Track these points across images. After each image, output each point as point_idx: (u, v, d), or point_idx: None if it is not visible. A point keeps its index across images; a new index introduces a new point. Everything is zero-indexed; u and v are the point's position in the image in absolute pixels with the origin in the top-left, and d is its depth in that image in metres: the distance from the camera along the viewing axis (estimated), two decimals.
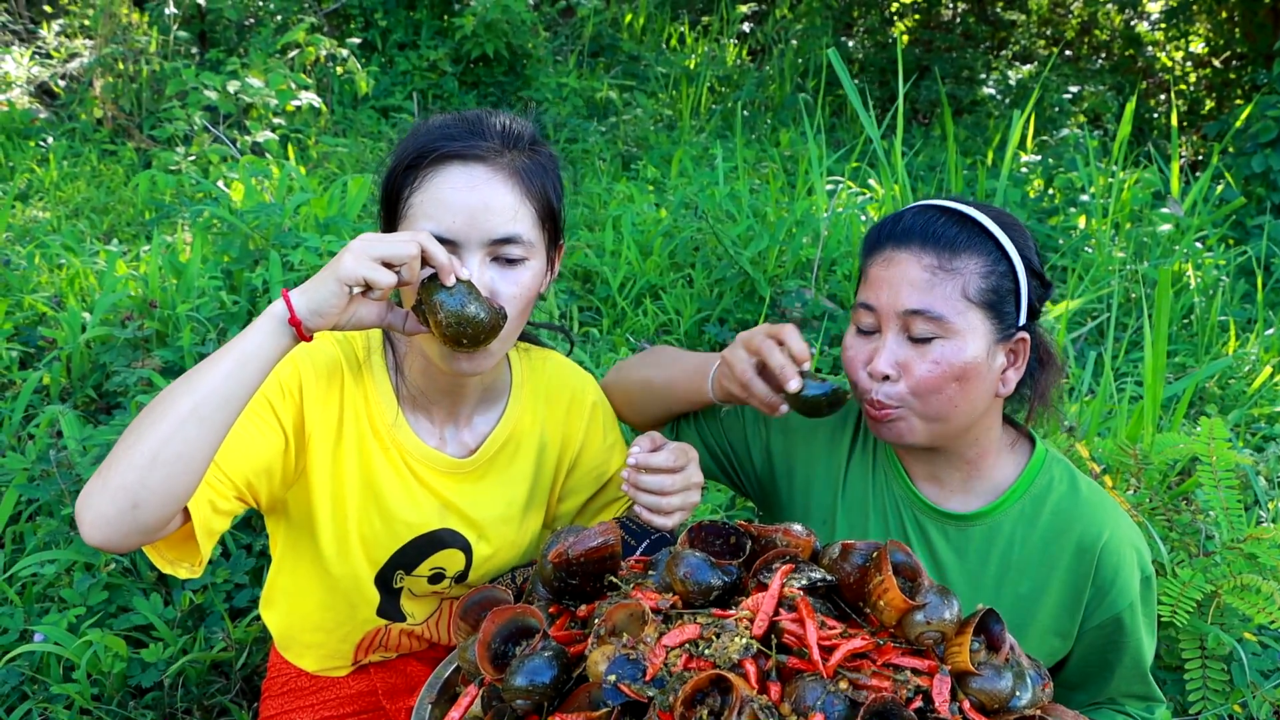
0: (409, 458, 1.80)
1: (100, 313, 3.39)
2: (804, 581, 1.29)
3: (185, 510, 1.53)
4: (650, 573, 1.41)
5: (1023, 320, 1.69)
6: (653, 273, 4.82)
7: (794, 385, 1.65)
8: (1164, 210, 5.47)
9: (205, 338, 3.28)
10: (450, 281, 1.50)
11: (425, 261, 1.50)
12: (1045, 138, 9.09)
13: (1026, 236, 1.73)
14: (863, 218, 5.29)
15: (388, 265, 1.46)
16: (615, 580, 1.38)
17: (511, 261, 1.63)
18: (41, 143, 7.47)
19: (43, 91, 8.66)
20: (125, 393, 3.15)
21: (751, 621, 1.23)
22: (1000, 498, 1.79)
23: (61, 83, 8.59)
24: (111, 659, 2.21)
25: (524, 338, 1.98)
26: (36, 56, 8.86)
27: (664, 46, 11.33)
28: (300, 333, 1.47)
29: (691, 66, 10.55)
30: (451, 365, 1.66)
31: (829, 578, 1.32)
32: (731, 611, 1.25)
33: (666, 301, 4.57)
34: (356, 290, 1.46)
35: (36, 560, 2.35)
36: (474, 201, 1.59)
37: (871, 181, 6.16)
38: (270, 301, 3.48)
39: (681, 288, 4.73)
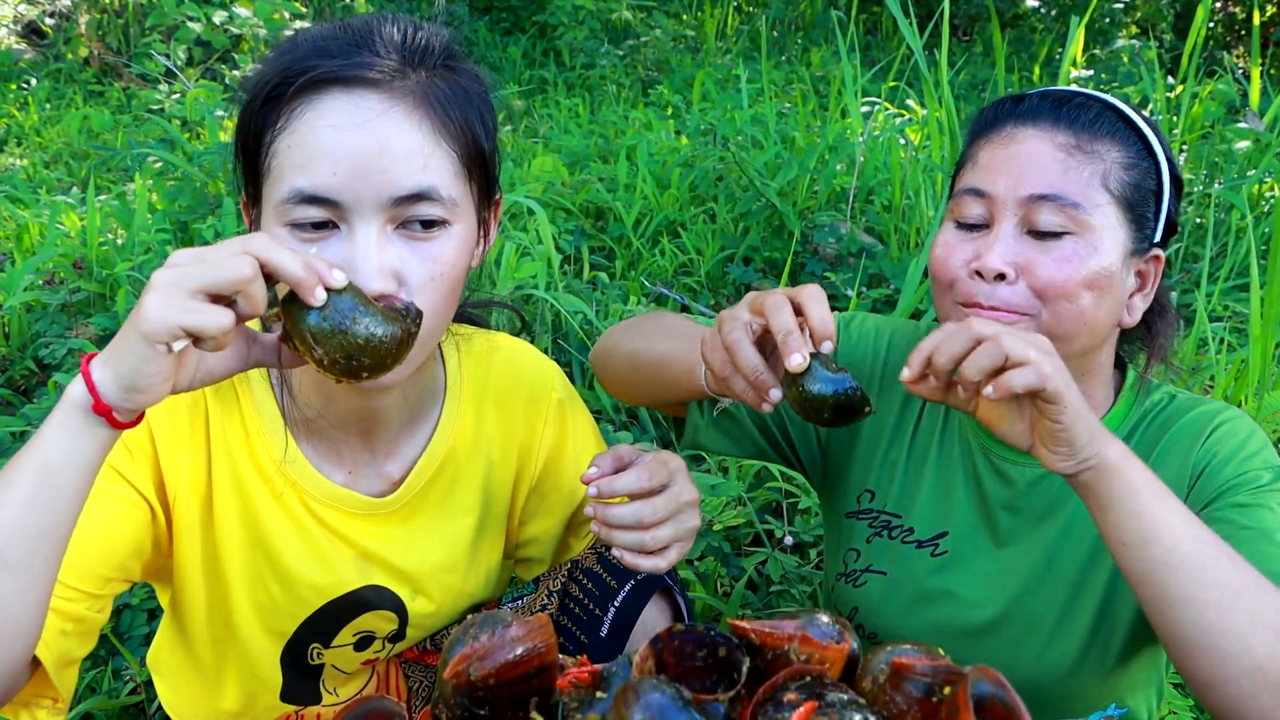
0: (310, 500, 1.35)
1: (23, 274, 2.96)
2: None
3: None
4: (599, 696, 0.94)
5: (1159, 235, 1.37)
6: (671, 208, 4.37)
7: (797, 361, 1.13)
8: (1241, 125, 4.90)
9: None
10: (319, 299, 0.99)
11: (273, 277, 0.99)
12: (1095, 51, 8.47)
13: (1164, 137, 1.38)
14: (901, 141, 4.79)
15: (216, 299, 0.95)
16: (537, 716, 0.91)
17: (426, 227, 1.16)
18: (24, 85, 7.06)
19: (31, 31, 8.25)
20: (60, 366, 2.74)
21: None
22: None
23: (50, 20, 8.15)
24: None
25: (462, 319, 1.53)
26: None
27: None
28: (114, 421, 0.99)
29: None
30: (346, 389, 1.20)
31: None
32: None
33: (686, 240, 4.12)
34: (178, 346, 0.96)
35: None
36: (364, 144, 1.11)
37: (910, 102, 5.65)
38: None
39: (703, 224, 4.27)
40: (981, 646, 1.46)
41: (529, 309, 3.28)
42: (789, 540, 2.26)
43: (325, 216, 1.12)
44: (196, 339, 0.96)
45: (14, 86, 6.98)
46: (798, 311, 1.17)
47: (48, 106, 6.55)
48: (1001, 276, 1.30)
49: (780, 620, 0.92)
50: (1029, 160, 1.31)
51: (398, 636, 1.48)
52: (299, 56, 1.14)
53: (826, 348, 1.16)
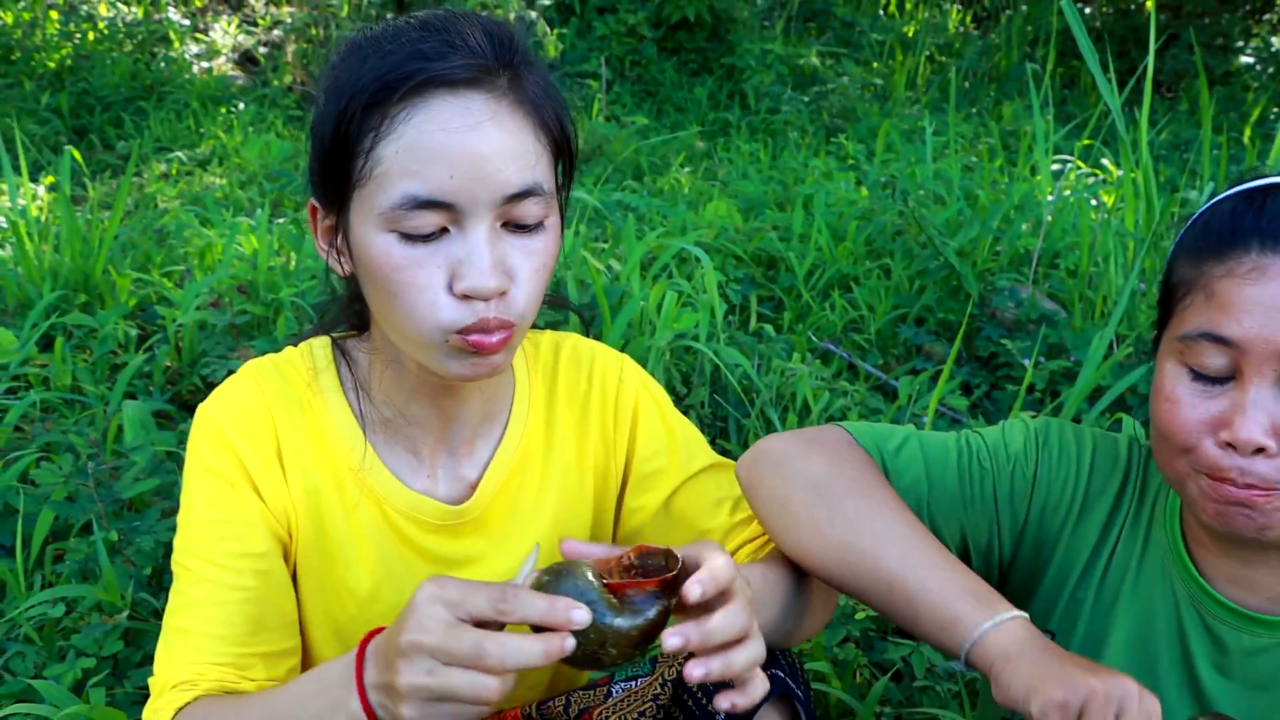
0: (387, 509, 1.33)
1: (193, 294, 3.04)
2: None
3: None
4: None
5: None
6: (845, 261, 4.25)
7: None
8: None
9: (303, 328, 2.90)
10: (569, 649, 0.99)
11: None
12: None
13: None
14: (1093, 203, 4.55)
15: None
16: None
17: (528, 227, 1.18)
18: (232, 109, 7.40)
19: (246, 59, 8.68)
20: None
21: None
22: None
23: (263, 50, 8.58)
24: None
25: None
26: (244, 24, 8.90)
27: (881, 12, 10.60)
28: None
29: (909, 34, 9.82)
30: (449, 369, 1.20)
31: None
32: None
33: (858, 295, 3.98)
34: None
35: (47, 597, 1.99)
36: (478, 147, 1.12)
37: (1105, 162, 5.39)
38: None
39: (876, 279, 4.13)
40: None
41: (687, 360, 3.21)
42: None
43: (440, 223, 1.13)
44: None
45: (223, 110, 7.32)
46: None
47: (250, 129, 6.84)
48: (1261, 449, 1.09)
49: None
50: None
51: None
52: (398, 61, 1.13)
53: None
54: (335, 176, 1.18)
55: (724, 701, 1.05)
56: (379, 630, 1.08)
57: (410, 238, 1.13)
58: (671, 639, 0.99)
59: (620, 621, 1.00)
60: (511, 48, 1.18)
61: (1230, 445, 1.10)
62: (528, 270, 1.18)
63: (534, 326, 1.46)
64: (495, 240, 1.15)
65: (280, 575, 1.30)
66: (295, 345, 1.39)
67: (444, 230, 1.14)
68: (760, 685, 1.06)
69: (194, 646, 1.22)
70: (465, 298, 1.14)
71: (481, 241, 1.13)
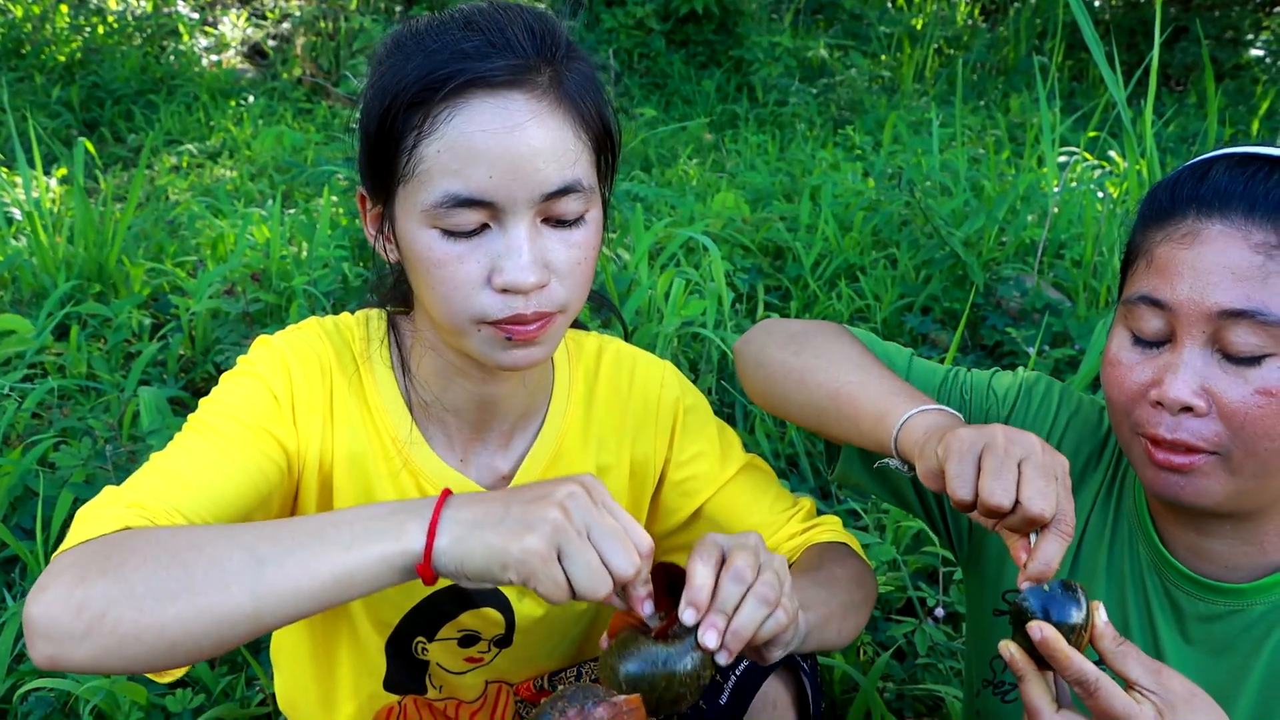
0: (424, 484, 1.35)
1: (206, 282, 3.09)
2: None
3: None
4: None
5: None
6: (851, 251, 4.27)
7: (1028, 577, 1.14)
8: None
9: (315, 315, 2.94)
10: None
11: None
12: None
13: None
14: (1099, 194, 4.57)
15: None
16: None
17: (567, 221, 1.19)
18: (242, 101, 7.44)
19: (255, 52, 8.72)
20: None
21: None
22: None
23: (272, 43, 8.62)
24: (130, 706, 1.85)
25: None
26: (252, 18, 8.94)
27: (889, 5, 10.61)
28: (427, 579, 1.04)
29: (918, 26, 9.82)
30: (490, 357, 1.21)
31: None
32: None
33: (865, 284, 4.01)
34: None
35: None
36: (517, 147, 1.13)
37: (1112, 154, 5.40)
38: None
39: (883, 269, 4.16)
40: None
41: (695, 347, 3.24)
42: (940, 611, 2.14)
43: (481, 220, 1.15)
44: None
45: (233, 103, 7.36)
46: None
47: (260, 122, 6.88)
48: (1189, 409, 1.12)
49: None
50: (1218, 266, 1.10)
51: (504, 641, 1.46)
52: (440, 61, 1.14)
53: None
54: (380, 170, 1.20)
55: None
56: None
57: (451, 234, 1.16)
58: (706, 637, 1.03)
59: (694, 655, 1.02)
60: (554, 43, 1.18)
61: (1161, 404, 1.13)
62: (568, 263, 1.19)
63: (578, 325, 1.50)
64: (535, 236, 1.17)
65: (270, 498, 1.26)
66: (354, 313, 1.41)
67: (485, 226, 1.16)
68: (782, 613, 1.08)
69: (174, 489, 1.14)
70: (504, 291, 1.16)
71: (521, 237, 1.15)
